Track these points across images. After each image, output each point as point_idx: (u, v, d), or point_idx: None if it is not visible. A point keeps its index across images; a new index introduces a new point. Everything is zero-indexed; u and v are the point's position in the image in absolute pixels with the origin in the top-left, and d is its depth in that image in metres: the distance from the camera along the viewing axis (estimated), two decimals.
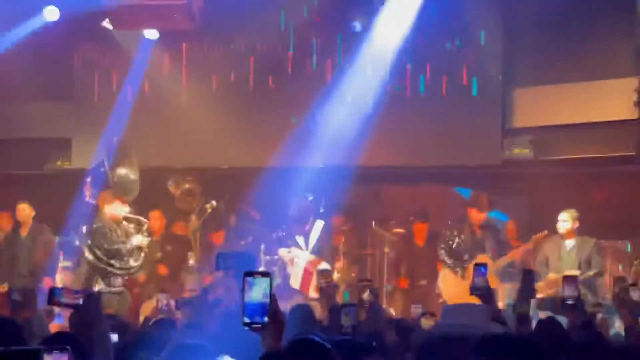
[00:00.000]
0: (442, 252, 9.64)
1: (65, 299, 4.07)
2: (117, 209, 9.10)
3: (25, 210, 9.94)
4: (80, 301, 4.04)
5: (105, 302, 8.38)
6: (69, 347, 3.19)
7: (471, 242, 9.55)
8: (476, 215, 9.62)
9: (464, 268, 9.35)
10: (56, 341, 3.90)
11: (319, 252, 9.89)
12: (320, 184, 10.35)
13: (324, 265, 9.68)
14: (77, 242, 9.13)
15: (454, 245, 9.56)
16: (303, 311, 5.57)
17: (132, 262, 9.03)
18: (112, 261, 8.89)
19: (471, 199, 10.18)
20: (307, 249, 9.90)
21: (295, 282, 9.72)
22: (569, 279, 5.72)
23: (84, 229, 9.06)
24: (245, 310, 2.92)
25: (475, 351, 3.23)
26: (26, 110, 11.65)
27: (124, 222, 9.11)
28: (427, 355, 4.10)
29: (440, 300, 9.50)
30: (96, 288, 8.58)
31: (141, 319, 8.35)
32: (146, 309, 8.96)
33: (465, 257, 9.43)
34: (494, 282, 9.06)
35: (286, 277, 9.73)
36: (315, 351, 3.23)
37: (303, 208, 10.01)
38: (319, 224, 9.99)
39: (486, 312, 5.00)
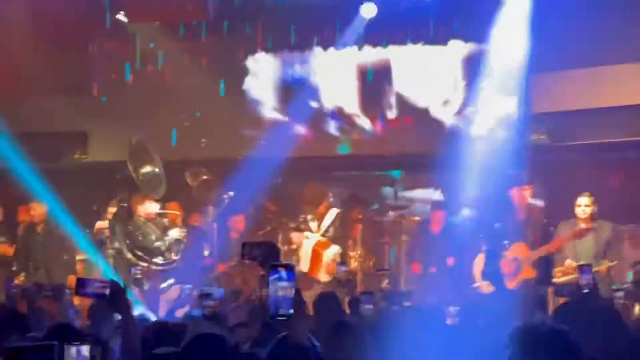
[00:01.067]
0: (482, 236, 9.24)
1: (91, 289, 4.08)
2: (149, 208, 9.32)
3: (37, 209, 9.95)
4: (107, 291, 4.04)
5: None
6: (90, 340, 3.21)
7: (512, 227, 9.07)
8: (517, 193, 9.25)
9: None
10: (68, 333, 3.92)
11: (334, 241, 9.94)
12: (333, 173, 10.32)
13: (334, 249, 9.69)
14: (116, 244, 9.25)
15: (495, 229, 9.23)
16: (329, 301, 5.70)
17: (174, 256, 9.26)
18: (155, 259, 9.15)
19: (512, 177, 9.54)
20: (318, 232, 9.93)
21: (304, 265, 9.73)
22: (584, 268, 5.74)
23: (118, 229, 9.20)
24: (270, 302, 2.93)
25: (510, 341, 3.21)
26: (42, 105, 11.69)
27: (158, 218, 9.28)
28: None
29: (474, 285, 9.26)
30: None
31: (162, 311, 8.39)
32: (164, 300, 9.01)
33: (505, 242, 8.94)
34: (529, 272, 8.81)
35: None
36: None
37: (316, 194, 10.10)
38: (334, 211, 10.03)
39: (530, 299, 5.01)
